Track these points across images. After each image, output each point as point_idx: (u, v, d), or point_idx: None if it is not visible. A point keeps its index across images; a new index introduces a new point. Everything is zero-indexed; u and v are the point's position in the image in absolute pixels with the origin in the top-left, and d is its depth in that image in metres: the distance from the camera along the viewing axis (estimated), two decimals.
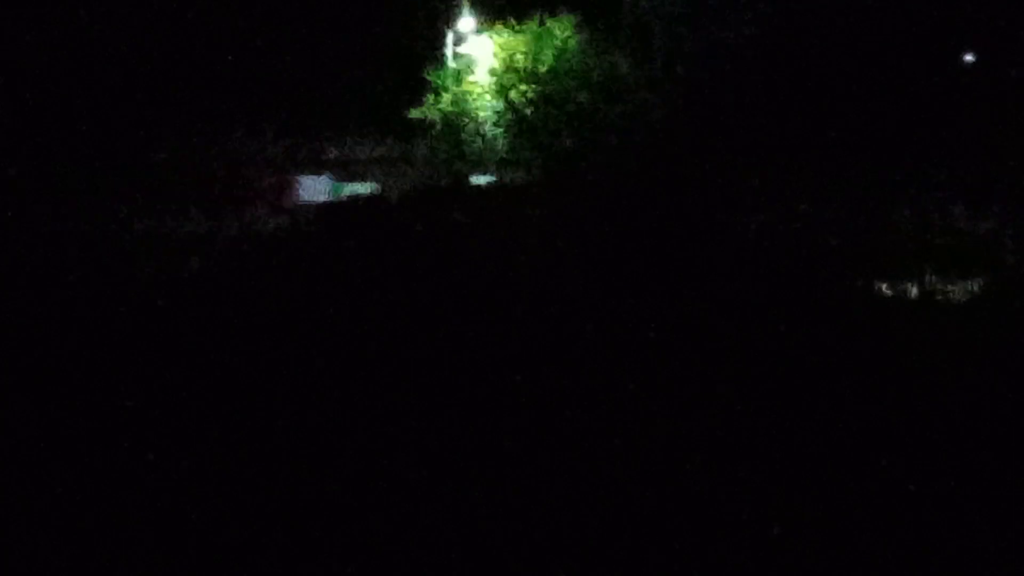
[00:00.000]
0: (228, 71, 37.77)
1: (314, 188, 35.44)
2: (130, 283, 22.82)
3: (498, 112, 34.03)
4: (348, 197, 31.49)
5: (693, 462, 12.51)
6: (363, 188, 34.74)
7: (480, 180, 33.04)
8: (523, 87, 33.67)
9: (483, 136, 34.18)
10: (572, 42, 33.82)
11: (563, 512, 11.18)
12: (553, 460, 12.29)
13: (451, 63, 36.43)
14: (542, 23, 34.16)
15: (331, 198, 33.84)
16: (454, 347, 16.39)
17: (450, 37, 36.98)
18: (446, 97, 34.75)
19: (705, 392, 14.81)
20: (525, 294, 19.98)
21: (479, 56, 35.38)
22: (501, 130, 34.00)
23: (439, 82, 35.19)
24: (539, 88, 33.53)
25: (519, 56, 33.93)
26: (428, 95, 35.05)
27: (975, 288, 23.53)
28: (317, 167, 36.75)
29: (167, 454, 12.17)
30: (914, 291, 24.07)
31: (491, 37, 34.93)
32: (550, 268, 22.00)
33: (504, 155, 33.86)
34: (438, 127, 34.59)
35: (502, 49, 34.32)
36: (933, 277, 23.95)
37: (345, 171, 36.84)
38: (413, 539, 10.63)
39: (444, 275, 21.32)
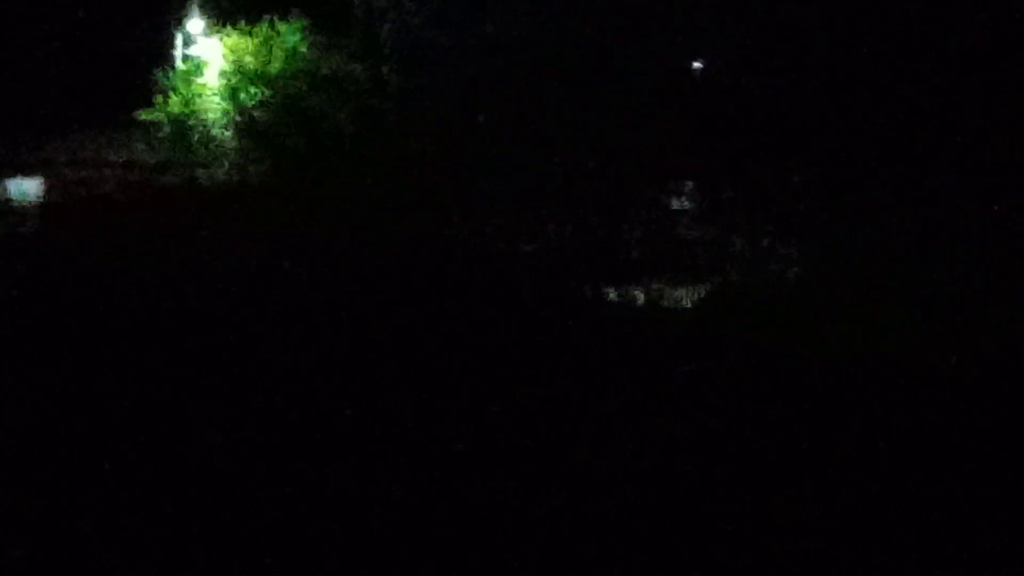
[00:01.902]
0: None
1: (20, 188, 34.23)
2: None
3: (228, 114, 33.40)
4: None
5: None
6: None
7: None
8: (253, 89, 33.15)
9: (213, 138, 33.51)
10: (302, 45, 33.43)
11: None
12: None
13: (180, 65, 35.80)
14: (272, 26, 33.66)
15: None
16: None
17: (179, 39, 36.38)
18: (175, 99, 33.97)
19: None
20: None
21: (209, 58, 34.75)
22: (231, 132, 33.39)
23: (168, 83, 34.37)
24: (269, 91, 33.03)
25: (248, 58, 33.41)
26: (157, 97, 34.18)
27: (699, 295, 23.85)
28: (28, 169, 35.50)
29: None
30: (641, 297, 24.25)
31: (221, 39, 34.31)
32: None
33: (234, 157, 33.23)
34: (166, 129, 33.76)
35: (232, 51, 33.77)
36: (657, 284, 24.20)
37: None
38: None
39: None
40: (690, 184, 31.97)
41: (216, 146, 33.56)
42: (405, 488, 12.61)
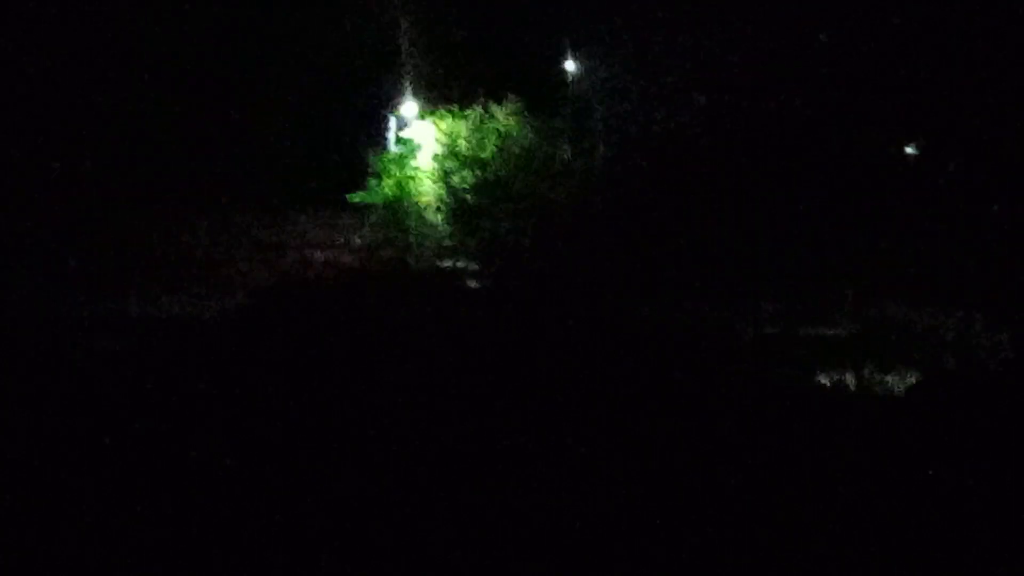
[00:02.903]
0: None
1: None
2: None
3: (440, 196, 33.91)
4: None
5: None
6: None
7: None
8: (465, 172, 33.61)
9: (424, 220, 34.02)
10: (515, 128, 33.79)
11: None
12: None
13: (393, 148, 36.34)
14: (486, 109, 34.12)
15: None
16: None
17: (393, 122, 36.95)
18: (388, 182, 34.57)
19: None
20: None
21: (422, 141, 35.29)
22: (442, 215, 33.89)
23: (381, 166, 35.00)
24: (481, 173, 33.46)
25: (461, 141, 33.90)
26: (370, 179, 34.84)
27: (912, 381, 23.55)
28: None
29: None
30: (852, 383, 24.03)
31: (434, 122, 34.86)
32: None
33: (446, 239, 33.71)
34: (379, 211, 34.37)
35: (445, 134, 34.27)
36: (868, 370, 23.95)
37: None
38: None
39: None
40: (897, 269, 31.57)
41: (428, 228, 34.00)
42: None
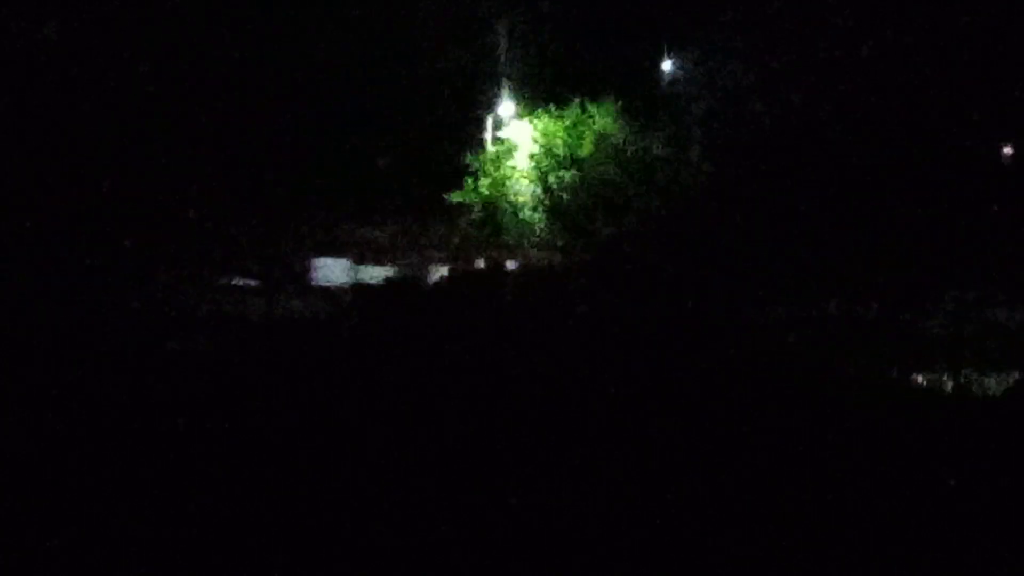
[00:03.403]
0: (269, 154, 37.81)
1: (329, 270, 35.45)
2: None
3: (536, 196, 34.14)
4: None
5: None
6: (382, 271, 34.65)
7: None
8: (561, 172, 33.84)
9: (521, 220, 34.27)
10: (612, 127, 33.96)
11: None
12: None
13: (490, 147, 36.55)
14: (583, 109, 34.32)
15: (351, 280, 34.11)
16: None
17: (490, 122, 37.16)
18: (485, 181, 34.85)
19: None
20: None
21: (519, 141, 35.49)
22: (539, 214, 34.10)
23: (479, 166, 35.29)
24: (577, 173, 33.67)
25: (558, 141, 34.10)
26: (467, 178, 35.13)
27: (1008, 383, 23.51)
28: (335, 249, 36.63)
29: None
30: (949, 384, 24.03)
31: (531, 122, 35.08)
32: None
33: (542, 237, 33.94)
34: (477, 211, 34.67)
35: (542, 134, 34.48)
36: (966, 371, 23.93)
37: (360, 253, 36.74)
38: None
39: None
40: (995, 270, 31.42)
41: (525, 227, 34.24)
42: None
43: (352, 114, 37.43)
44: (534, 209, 34.29)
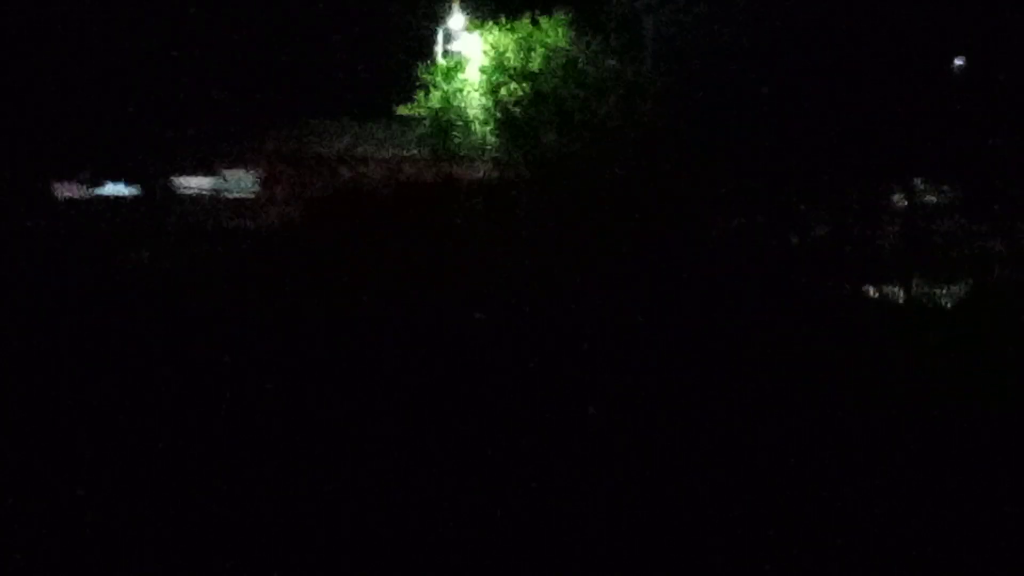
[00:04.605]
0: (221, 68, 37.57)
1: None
2: None
3: (487, 110, 33.98)
4: None
5: None
6: None
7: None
8: (512, 85, 33.67)
9: (472, 133, 34.11)
10: (563, 41, 33.80)
11: None
12: None
13: (441, 61, 36.37)
14: (534, 21, 34.12)
15: None
16: None
17: (440, 35, 36.99)
18: (436, 95, 34.65)
19: None
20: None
21: (470, 54, 35.30)
22: (490, 127, 33.95)
23: (430, 79, 35.06)
24: (529, 86, 33.51)
25: (509, 54, 33.92)
26: (418, 92, 34.91)
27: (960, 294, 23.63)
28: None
29: None
30: (900, 295, 24.14)
31: (482, 35, 34.86)
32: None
33: (493, 152, 33.80)
34: (426, 124, 34.51)
35: (493, 47, 34.27)
36: (916, 282, 24.04)
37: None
38: None
39: None
40: (946, 182, 31.55)
41: (475, 141, 34.11)
42: None
43: (300, 29, 37.24)
44: (485, 123, 34.14)
